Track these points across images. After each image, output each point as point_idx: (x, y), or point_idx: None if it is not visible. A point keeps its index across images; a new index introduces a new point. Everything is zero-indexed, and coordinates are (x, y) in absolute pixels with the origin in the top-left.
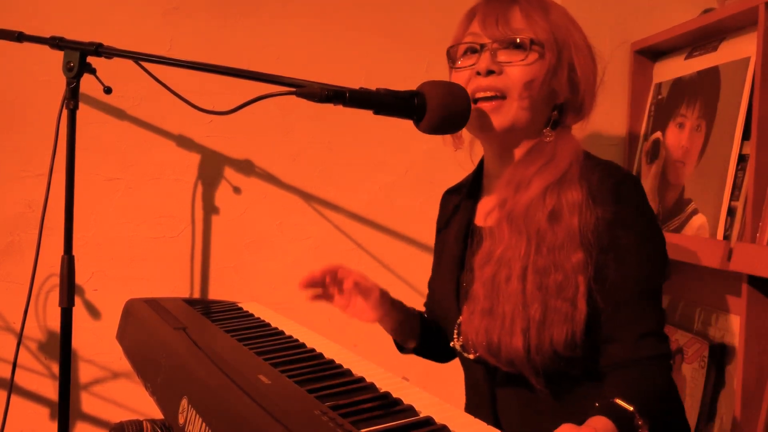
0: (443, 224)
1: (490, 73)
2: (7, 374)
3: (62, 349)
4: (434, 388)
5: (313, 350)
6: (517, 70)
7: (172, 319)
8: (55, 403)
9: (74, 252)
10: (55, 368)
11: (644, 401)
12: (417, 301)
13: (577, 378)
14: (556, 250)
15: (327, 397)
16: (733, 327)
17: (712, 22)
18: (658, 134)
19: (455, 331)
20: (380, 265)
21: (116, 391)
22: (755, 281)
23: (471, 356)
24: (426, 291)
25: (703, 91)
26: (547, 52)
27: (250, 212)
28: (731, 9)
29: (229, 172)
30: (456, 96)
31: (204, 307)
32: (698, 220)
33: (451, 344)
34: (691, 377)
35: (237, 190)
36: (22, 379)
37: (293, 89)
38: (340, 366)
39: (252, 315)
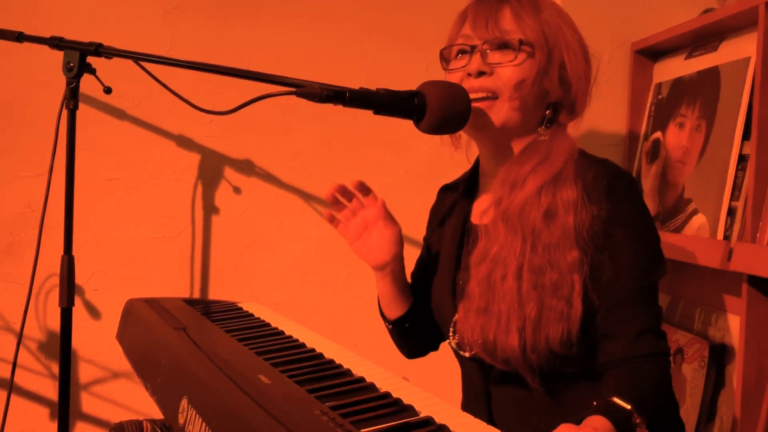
0: (438, 221)
1: (480, 74)
2: (7, 374)
3: (62, 349)
4: (434, 388)
5: (313, 350)
6: (507, 70)
7: (172, 319)
8: (55, 403)
9: (74, 252)
10: (55, 368)
11: (642, 399)
12: None
13: (572, 376)
14: (551, 249)
15: (327, 397)
16: (733, 327)
17: (712, 22)
18: (658, 134)
19: (451, 330)
20: None
21: (116, 391)
22: (755, 281)
23: (467, 354)
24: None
25: (703, 91)
26: (537, 52)
27: (250, 212)
28: (731, 9)
29: (229, 172)
30: (456, 96)
31: (204, 307)
32: (698, 220)
33: (447, 342)
34: (691, 377)
35: (237, 190)
36: (22, 379)
37: (293, 89)
38: (340, 366)
39: (252, 315)
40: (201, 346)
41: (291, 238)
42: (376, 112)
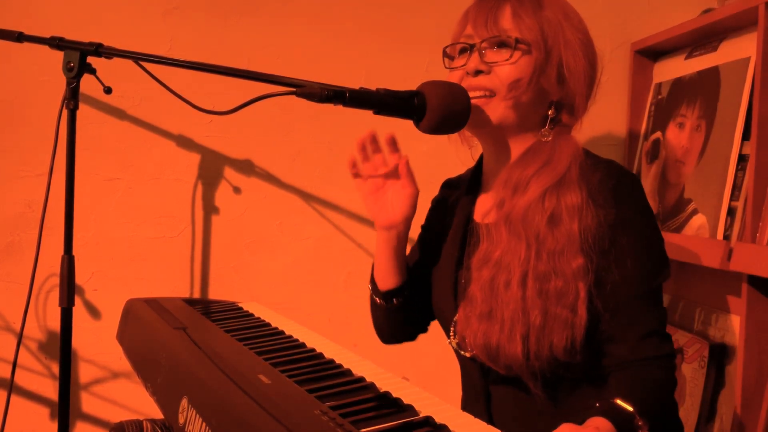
0: (439, 216)
1: (478, 73)
2: (7, 374)
3: (62, 349)
4: (434, 388)
5: (313, 350)
6: (503, 69)
7: (172, 319)
8: (55, 403)
9: (74, 252)
10: (55, 368)
11: (645, 402)
12: None
13: (574, 382)
14: (556, 256)
15: (327, 397)
16: (733, 327)
17: (712, 22)
18: (658, 134)
19: (452, 329)
20: None
21: (116, 391)
22: (755, 281)
23: (467, 354)
24: None
25: (703, 91)
26: (534, 51)
27: (250, 212)
28: (731, 9)
29: (229, 172)
30: (456, 96)
31: (204, 307)
32: (698, 220)
33: (448, 342)
34: (691, 377)
35: (237, 190)
36: (22, 379)
37: (293, 89)
38: (340, 366)
39: (252, 315)
40: (201, 346)
41: (291, 238)
42: (376, 112)
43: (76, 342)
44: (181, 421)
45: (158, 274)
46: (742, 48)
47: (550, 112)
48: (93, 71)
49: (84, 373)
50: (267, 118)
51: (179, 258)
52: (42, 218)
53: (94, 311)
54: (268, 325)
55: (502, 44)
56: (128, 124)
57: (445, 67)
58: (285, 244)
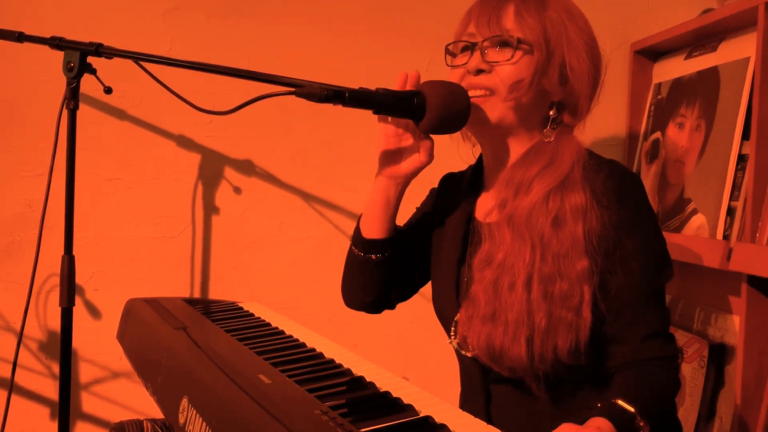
0: (439, 211)
1: (480, 72)
2: (8, 374)
3: (62, 348)
4: (434, 388)
5: (313, 350)
6: (504, 69)
7: (172, 319)
8: (55, 402)
9: (74, 252)
10: (56, 368)
11: (646, 403)
12: (418, 301)
13: (577, 383)
14: (561, 258)
15: (327, 397)
16: (733, 327)
17: (711, 22)
18: (657, 134)
19: (453, 329)
20: None
21: (116, 390)
22: (755, 281)
23: (468, 354)
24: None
25: (702, 91)
26: (536, 51)
27: (250, 212)
28: (731, 9)
29: (229, 172)
30: (456, 95)
31: (204, 306)
32: (698, 220)
33: (448, 342)
34: (690, 377)
35: (237, 190)
36: (22, 378)
37: (293, 89)
38: (340, 366)
39: (252, 315)
40: (201, 346)
41: (291, 238)
42: (376, 112)
43: (77, 342)
44: (182, 420)
45: (158, 274)
46: (741, 48)
47: (551, 113)
48: (93, 71)
49: (84, 373)
50: (267, 118)
51: (179, 258)
52: (42, 218)
53: (94, 311)
54: (268, 325)
55: (504, 44)
56: (128, 124)
57: (447, 65)
58: (285, 244)
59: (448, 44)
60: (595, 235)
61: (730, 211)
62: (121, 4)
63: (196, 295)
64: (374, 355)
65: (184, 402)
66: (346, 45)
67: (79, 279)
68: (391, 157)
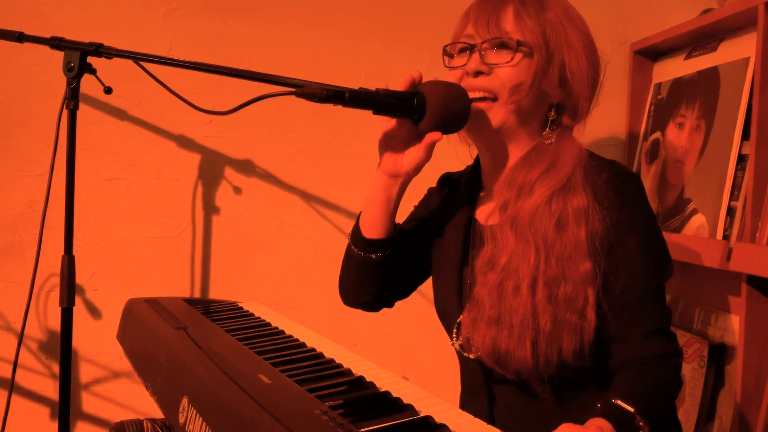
0: (437, 212)
1: (478, 74)
2: (8, 374)
3: (63, 348)
4: (434, 388)
5: (313, 350)
6: (504, 71)
7: (172, 319)
8: (55, 402)
9: (75, 252)
10: (56, 368)
11: (646, 402)
12: (417, 301)
13: (580, 384)
14: (564, 261)
15: (327, 397)
16: (733, 326)
17: (711, 22)
18: (657, 134)
19: (455, 330)
20: None
21: (117, 390)
22: (755, 281)
23: (471, 356)
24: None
25: (702, 91)
26: (536, 53)
27: (250, 212)
28: (731, 9)
29: (229, 172)
30: (456, 96)
31: (204, 306)
32: (698, 220)
33: (450, 344)
34: (690, 377)
35: (237, 190)
36: (22, 378)
37: (293, 89)
38: (340, 366)
39: (252, 315)
40: (201, 346)
41: (291, 238)
42: (376, 112)
43: (77, 342)
44: (182, 420)
45: (158, 274)
46: (741, 48)
47: (550, 114)
48: (93, 71)
49: (84, 372)
50: (267, 118)
51: (179, 258)
52: (42, 218)
53: (94, 311)
54: (268, 324)
55: (503, 46)
56: (128, 124)
57: (445, 66)
58: (285, 244)
59: (446, 45)
60: (597, 236)
61: (730, 211)
62: (121, 4)
63: (196, 295)
64: (374, 355)
65: (184, 402)
66: (346, 45)
67: (79, 279)
68: (392, 155)
